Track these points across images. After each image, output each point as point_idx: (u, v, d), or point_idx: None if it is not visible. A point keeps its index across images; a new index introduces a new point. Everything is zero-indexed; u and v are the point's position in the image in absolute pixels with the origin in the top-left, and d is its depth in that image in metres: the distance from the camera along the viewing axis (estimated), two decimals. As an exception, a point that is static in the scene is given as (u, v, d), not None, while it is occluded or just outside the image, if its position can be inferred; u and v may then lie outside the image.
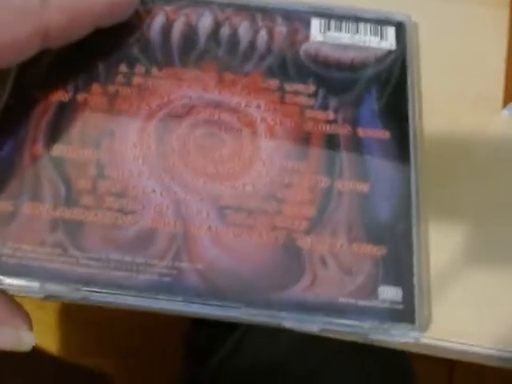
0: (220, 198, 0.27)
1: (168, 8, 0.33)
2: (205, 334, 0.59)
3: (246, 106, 0.30)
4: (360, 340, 0.27)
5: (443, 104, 0.32)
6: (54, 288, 0.25)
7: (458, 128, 0.32)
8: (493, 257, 0.28)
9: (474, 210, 0.29)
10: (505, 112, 0.32)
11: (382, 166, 0.29)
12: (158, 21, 0.33)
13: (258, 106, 0.30)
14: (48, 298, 0.25)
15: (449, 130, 0.32)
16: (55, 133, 0.29)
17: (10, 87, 0.30)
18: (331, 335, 0.26)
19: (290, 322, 0.25)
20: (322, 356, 0.52)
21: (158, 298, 0.25)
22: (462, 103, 0.33)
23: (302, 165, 0.28)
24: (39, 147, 0.28)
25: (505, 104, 0.32)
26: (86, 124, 0.29)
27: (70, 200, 0.27)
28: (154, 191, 0.27)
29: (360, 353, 0.51)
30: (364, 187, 0.28)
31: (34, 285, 0.25)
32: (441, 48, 0.34)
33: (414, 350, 0.27)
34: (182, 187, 0.27)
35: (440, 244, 0.28)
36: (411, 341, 0.25)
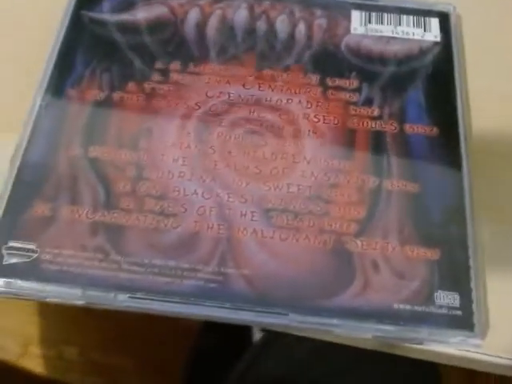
0: (264, 200, 0.26)
1: (202, 2, 0.32)
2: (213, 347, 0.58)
3: (287, 102, 0.29)
4: (401, 352, 0.25)
5: (491, 99, 0.31)
6: (96, 295, 0.24)
7: (507, 124, 0.30)
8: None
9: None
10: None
11: (431, 164, 0.27)
12: (193, 15, 0.32)
13: (300, 102, 0.29)
14: (90, 304, 0.24)
15: (498, 126, 0.30)
16: (91, 133, 0.28)
17: (43, 87, 0.29)
18: (383, 344, 0.25)
19: (342, 329, 0.24)
20: (343, 360, 0.50)
21: (205, 305, 0.24)
22: (510, 98, 0.31)
23: (348, 164, 0.27)
24: (75, 148, 0.27)
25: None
26: (123, 123, 0.28)
27: (110, 203, 0.26)
28: (195, 193, 0.26)
29: (382, 357, 0.50)
30: (414, 186, 0.27)
31: (76, 292, 0.24)
32: (485, 40, 0.33)
33: (466, 365, 0.25)
34: (224, 188, 0.26)
35: (493, 245, 0.27)
36: (471, 349, 0.24)
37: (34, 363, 0.77)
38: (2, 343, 0.76)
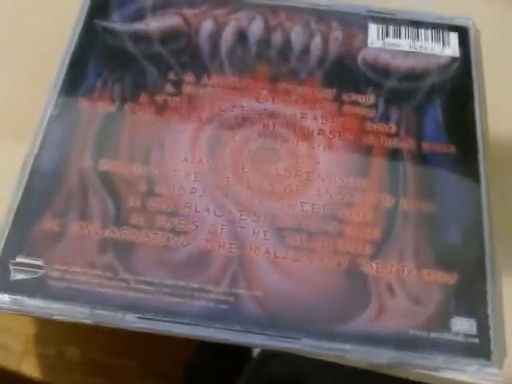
0: (277, 218, 0.26)
1: (217, 12, 0.31)
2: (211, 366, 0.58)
3: (302, 116, 0.28)
4: (415, 378, 0.25)
5: (508, 117, 0.30)
6: (104, 314, 0.24)
7: (527, 142, 0.30)
8: None
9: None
10: None
11: (449, 184, 0.27)
12: (207, 26, 0.31)
13: (315, 118, 0.28)
14: (98, 323, 0.24)
15: (517, 143, 0.29)
16: (102, 145, 0.27)
17: (55, 97, 0.28)
18: (397, 370, 0.24)
19: (355, 355, 0.23)
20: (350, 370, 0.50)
21: (215, 327, 0.23)
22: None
23: (363, 182, 0.27)
24: (86, 161, 0.27)
25: None
26: (135, 136, 0.27)
27: (120, 219, 0.25)
28: (207, 210, 0.26)
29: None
30: (431, 207, 0.26)
31: (84, 310, 0.24)
32: (504, 55, 0.32)
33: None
34: (236, 205, 0.26)
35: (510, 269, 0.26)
36: (487, 378, 0.23)
37: (36, 363, 0.76)
38: (5, 342, 0.76)
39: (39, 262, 0.24)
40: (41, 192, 0.26)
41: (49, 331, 0.77)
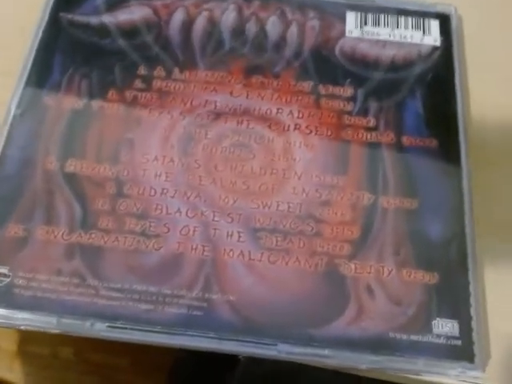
0: (252, 219, 0.25)
1: (188, 2, 0.30)
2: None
3: (278, 112, 0.27)
4: (397, 381, 0.24)
5: (492, 108, 0.29)
6: (71, 323, 0.23)
7: (510, 133, 0.29)
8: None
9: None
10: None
11: (430, 179, 0.26)
12: (178, 17, 0.30)
13: (291, 112, 0.27)
14: (66, 333, 0.23)
15: (500, 136, 0.29)
16: (69, 145, 0.26)
17: (19, 95, 0.27)
18: (378, 373, 0.23)
19: (334, 360, 0.22)
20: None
21: (188, 335, 0.22)
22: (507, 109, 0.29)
23: (341, 179, 0.26)
24: (52, 162, 0.25)
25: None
26: (103, 134, 0.26)
27: (87, 222, 0.24)
28: (179, 211, 0.25)
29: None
30: (412, 203, 0.25)
31: (51, 320, 0.23)
32: (488, 44, 0.31)
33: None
34: (209, 206, 0.25)
35: (495, 266, 0.25)
36: (470, 381, 0.22)
37: (30, 362, 0.76)
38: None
39: (4, 270, 0.23)
40: (4, 196, 0.25)
41: (42, 332, 0.76)
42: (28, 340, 0.75)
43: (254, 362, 0.49)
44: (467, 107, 0.28)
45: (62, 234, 0.24)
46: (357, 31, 0.30)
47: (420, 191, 0.25)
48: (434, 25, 0.30)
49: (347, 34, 0.30)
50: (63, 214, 0.24)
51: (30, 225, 0.24)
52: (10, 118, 0.27)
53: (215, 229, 0.24)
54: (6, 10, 0.31)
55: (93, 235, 0.24)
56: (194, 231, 0.24)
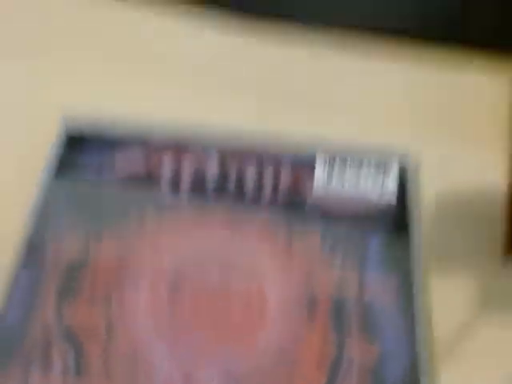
0: (232, 372, 0.27)
1: (175, 157, 0.34)
2: None
3: (253, 265, 0.31)
4: None
5: (445, 253, 0.33)
6: None
7: (464, 279, 0.32)
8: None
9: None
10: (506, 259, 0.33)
11: (389, 326, 0.29)
12: (166, 172, 0.34)
13: (263, 264, 0.30)
14: None
15: (458, 281, 0.32)
16: (66, 296, 0.29)
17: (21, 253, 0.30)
18: None
19: None
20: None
21: None
22: (463, 249, 0.33)
23: (309, 332, 0.28)
24: (50, 315, 0.28)
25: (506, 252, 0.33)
26: (96, 282, 0.29)
27: (80, 368, 0.27)
28: (162, 360, 0.27)
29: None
30: (374, 352, 0.28)
31: None
32: (446, 194, 0.35)
33: None
34: (192, 357, 0.27)
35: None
36: None
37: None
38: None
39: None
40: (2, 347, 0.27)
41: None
42: None
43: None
44: (420, 254, 0.32)
45: (56, 379, 0.26)
46: (323, 189, 0.34)
47: (380, 339, 0.28)
48: (393, 177, 0.34)
49: (315, 190, 0.34)
50: (58, 360, 0.27)
51: (26, 369, 0.26)
52: (12, 278, 0.29)
53: (197, 380, 0.27)
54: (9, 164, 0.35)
55: (84, 380, 0.26)
56: (178, 381, 0.27)
